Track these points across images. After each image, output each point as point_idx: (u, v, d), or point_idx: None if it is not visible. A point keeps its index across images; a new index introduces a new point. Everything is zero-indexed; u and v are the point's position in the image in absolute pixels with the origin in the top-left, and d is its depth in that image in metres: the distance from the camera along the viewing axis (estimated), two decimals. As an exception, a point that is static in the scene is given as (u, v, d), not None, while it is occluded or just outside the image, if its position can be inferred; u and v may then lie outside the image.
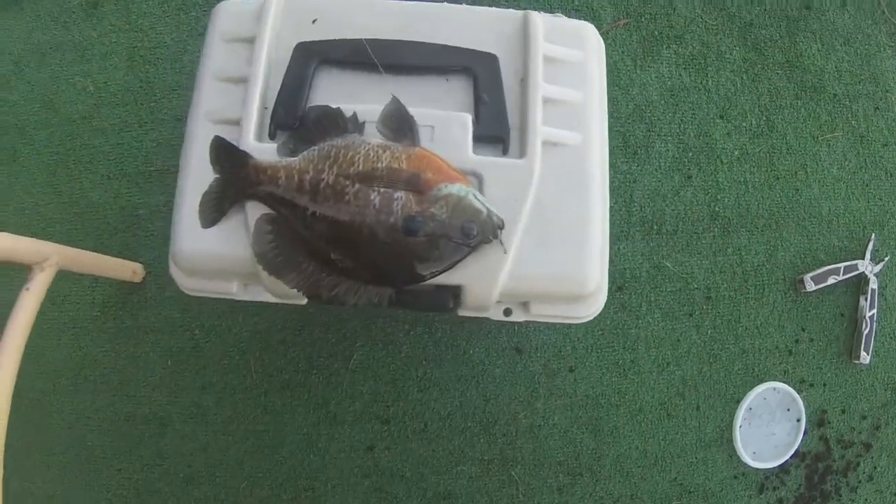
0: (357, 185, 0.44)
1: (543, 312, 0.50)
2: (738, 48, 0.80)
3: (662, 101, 0.78)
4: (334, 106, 0.48)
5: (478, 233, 0.43)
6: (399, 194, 0.44)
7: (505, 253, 0.45)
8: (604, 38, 0.53)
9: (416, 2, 0.52)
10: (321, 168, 0.45)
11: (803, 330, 0.77)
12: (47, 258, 0.60)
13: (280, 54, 0.50)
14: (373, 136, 0.47)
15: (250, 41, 0.51)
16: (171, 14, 0.80)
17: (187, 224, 0.48)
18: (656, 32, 0.79)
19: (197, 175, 0.48)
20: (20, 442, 0.72)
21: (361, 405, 0.70)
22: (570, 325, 0.70)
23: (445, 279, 0.46)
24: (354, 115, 0.47)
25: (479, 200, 0.44)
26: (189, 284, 0.51)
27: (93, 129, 0.79)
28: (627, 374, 0.72)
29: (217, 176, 0.47)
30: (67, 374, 0.75)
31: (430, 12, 0.52)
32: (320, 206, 0.44)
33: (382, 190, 0.44)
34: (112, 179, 0.77)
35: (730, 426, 0.74)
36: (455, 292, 0.48)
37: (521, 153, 0.48)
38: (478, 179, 0.47)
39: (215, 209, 0.47)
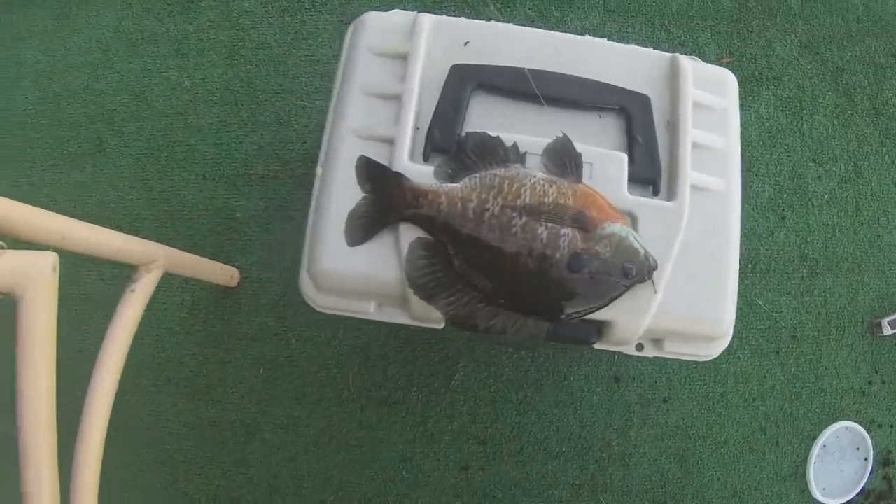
0: (524, 219, 0.44)
1: (675, 350, 0.51)
2: (830, 93, 0.83)
3: (761, 142, 0.79)
4: (493, 133, 0.48)
5: (636, 273, 0.44)
6: (566, 230, 0.44)
7: (655, 293, 0.46)
8: None
9: (567, 34, 0.53)
10: (485, 197, 0.45)
11: (876, 372, 0.79)
12: (155, 260, 0.59)
13: (432, 74, 0.50)
14: (535, 169, 0.47)
15: (402, 57, 0.50)
16: (274, 15, 0.79)
17: (331, 242, 0.47)
18: (756, 73, 0.81)
19: (341, 191, 0.47)
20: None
21: (459, 425, 0.70)
22: (665, 359, 0.71)
23: (595, 315, 0.46)
24: (515, 145, 0.48)
25: (637, 241, 0.45)
26: (323, 302, 0.50)
27: (188, 127, 0.77)
28: (716, 408, 0.74)
29: (365, 195, 0.47)
30: (149, 375, 0.73)
31: (582, 46, 0.52)
32: (486, 236, 0.44)
33: (549, 225, 0.44)
34: (208, 180, 0.76)
35: (804, 462, 0.77)
36: (599, 327, 0.49)
37: (671, 196, 0.49)
38: (631, 219, 0.48)
39: (364, 229, 0.46)
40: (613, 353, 0.69)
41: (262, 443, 0.71)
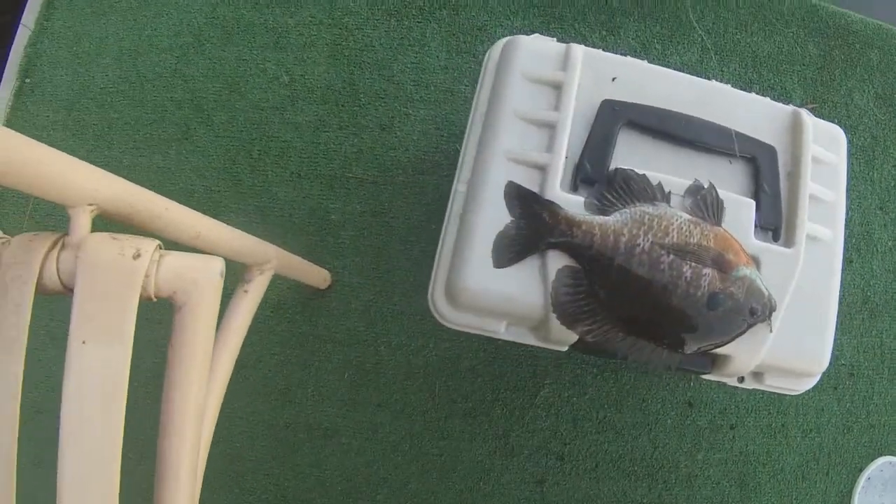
0: (671, 256, 0.47)
1: (772, 384, 0.55)
2: (899, 145, 0.87)
3: (836, 187, 0.83)
4: (640, 171, 0.50)
5: (760, 313, 0.48)
6: (707, 271, 0.47)
7: (771, 332, 0.50)
8: None
9: (698, 79, 0.55)
10: (636, 233, 0.48)
11: (919, 411, 0.84)
12: (269, 260, 0.59)
13: (581, 106, 0.52)
14: (679, 209, 0.49)
15: (555, 86, 0.52)
16: (380, 18, 0.78)
17: (475, 261, 0.48)
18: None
19: (489, 212, 0.49)
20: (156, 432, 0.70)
21: (540, 440, 0.72)
22: (737, 387, 0.75)
23: (721, 349, 0.49)
24: (660, 184, 0.50)
25: (763, 284, 0.48)
26: (455, 318, 0.52)
27: (284, 122, 0.76)
28: (776, 436, 0.78)
29: (515, 218, 0.48)
30: (226, 370, 0.73)
31: (714, 92, 0.54)
32: (635, 269, 0.47)
33: (693, 264, 0.47)
34: (303, 178, 0.75)
35: (850, 493, 0.81)
36: (714, 359, 0.52)
37: (789, 243, 0.52)
38: (755, 262, 0.51)
39: (513, 252, 0.48)
40: (690, 379, 0.72)
41: (338, 447, 0.72)
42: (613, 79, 0.54)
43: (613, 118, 0.52)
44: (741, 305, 0.47)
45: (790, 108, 0.56)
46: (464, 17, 0.78)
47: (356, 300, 0.73)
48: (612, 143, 0.52)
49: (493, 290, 0.48)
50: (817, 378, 0.56)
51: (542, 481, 0.73)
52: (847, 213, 0.83)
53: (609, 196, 0.49)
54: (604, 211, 0.49)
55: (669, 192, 0.50)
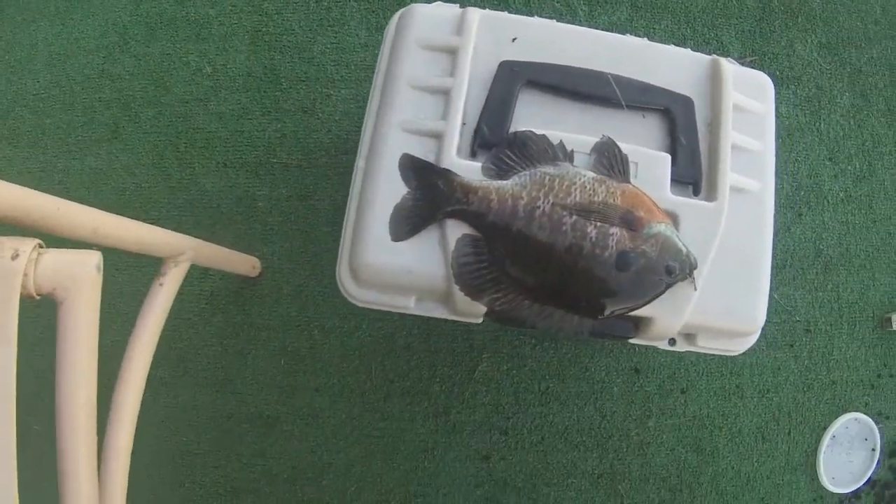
0: (574, 217, 0.45)
1: (706, 345, 0.52)
2: (847, 94, 0.84)
3: (780, 141, 0.80)
4: (538, 132, 0.49)
5: (678, 272, 0.45)
6: (614, 230, 0.45)
7: (695, 290, 0.47)
8: None
9: (609, 33, 0.53)
10: (536, 195, 0.45)
11: (885, 365, 0.81)
12: (183, 252, 0.58)
13: (480, 69, 0.50)
14: (583, 168, 0.47)
15: (450, 51, 0.50)
16: (299, 1, 0.78)
17: (374, 236, 0.47)
18: (777, 72, 0.82)
19: (386, 185, 0.47)
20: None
21: (482, 415, 0.71)
22: (684, 351, 0.73)
23: (639, 311, 0.47)
24: (561, 143, 0.48)
25: (680, 240, 0.46)
26: (362, 296, 0.50)
27: (209, 113, 0.76)
28: (731, 398, 0.75)
29: (411, 190, 0.47)
30: (166, 367, 0.73)
31: (625, 46, 0.52)
32: (535, 233, 0.45)
33: (599, 224, 0.45)
34: (229, 167, 0.75)
35: (815, 452, 0.79)
36: (637, 322, 0.50)
37: (710, 196, 0.50)
38: (673, 219, 0.48)
39: (410, 224, 0.46)
40: (634, 345, 0.70)
41: (281, 434, 0.71)
42: (514, 39, 0.52)
43: (512, 79, 0.50)
44: (655, 264, 0.45)
45: (709, 57, 0.54)
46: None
47: (287, 285, 0.72)
48: (511, 104, 0.50)
49: (393, 265, 0.47)
50: (755, 337, 0.53)
51: (488, 457, 0.71)
52: (793, 165, 0.81)
53: (506, 159, 0.47)
54: (502, 175, 0.47)
55: (573, 151, 0.48)
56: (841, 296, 0.80)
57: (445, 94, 0.49)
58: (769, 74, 0.83)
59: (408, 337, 0.71)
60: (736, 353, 0.53)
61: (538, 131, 0.48)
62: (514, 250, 0.46)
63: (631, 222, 0.45)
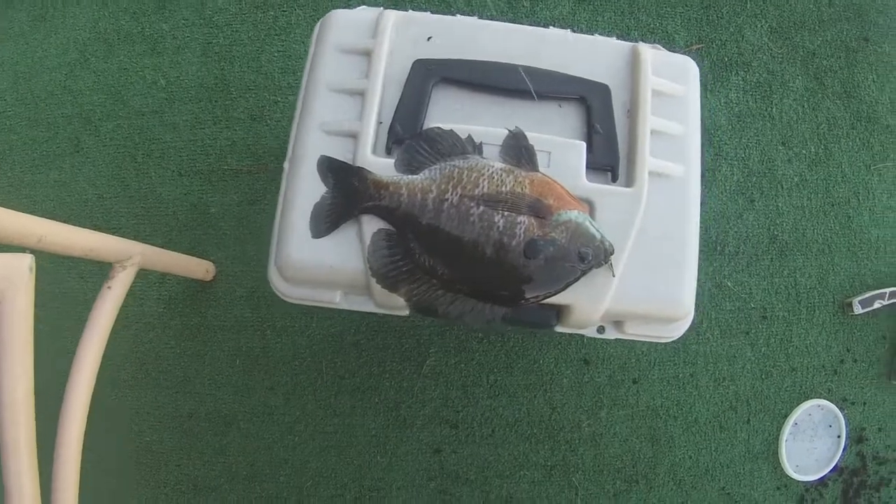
0: (482, 208, 0.46)
1: (635, 332, 0.52)
2: (800, 77, 0.83)
3: (730, 126, 0.80)
4: (446, 127, 0.49)
5: (592, 258, 0.46)
6: (522, 218, 0.46)
7: (613, 276, 0.48)
8: None
9: (530, 27, 0.54)
10: (445, 188, 0.46)
11: (848, 351, 0.80)
12: (130, 256, 0.61)
13: (396, 69, 0.51)
14: (493, 159, 0.48)
15: (366, 54, 0.51)
16: (247, 12, 0.80)
17: (296, 234, 0.48)
18: (726, 58, 0.81)
19: (307, 185, 0.49)
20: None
21: (431, 409, 0.72)
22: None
23: (555, 299, 0.48)
24: (470, 136, 0.49)
25: (593, 227, 0.46)
26: (291, 293, 0.52)
27: (164, 124, 0.79)
28: (686, 388, 0.75)
29: (329, 189, 0.48)
30: (128, 369, 0.75)
31: (545, 38, 0.53)
32: (444, 225, 0.46)
33: (506, 213, 0.45)
34: (183, 176, 0.77)
35: (776, 440, 0.78)
36: (559, 310, 0.50)
37: (629, 182, 0.50)
38: (589, 206, 0.49)
39: (328, 221, 0.48)
40: (583, 336, 0.70)
41: (238, 432, 0.73)
42: (429, 39, 0.53)
43: (425, 77, 0.51)
44: (566, 251, 0.45)
45: (629, 44, 0.55)
46: (327, 0, 0.79)
47: (240, 287, 0.74)
48: (425, 102, 0.51)
49: (315, 262, 0.48)
50: (685, 323, 0.53)
51: (439, 450, 0.72)
52: (744, 151, 0.81)
53: (416, 155, 0.49)
54: (415, 171, 0.48)
55: (481, 144, 0.49)
56: (798, 281, 0.79)
57: (361, 95, 0.50)
58: (717, 61, 0.84)
59: (356, 334, 0.73)
60: (668, 340, 0.53)
61: (446, 126, 0.49)
62: (427, 242, 0.47)
63: (539, 210, 0.46)
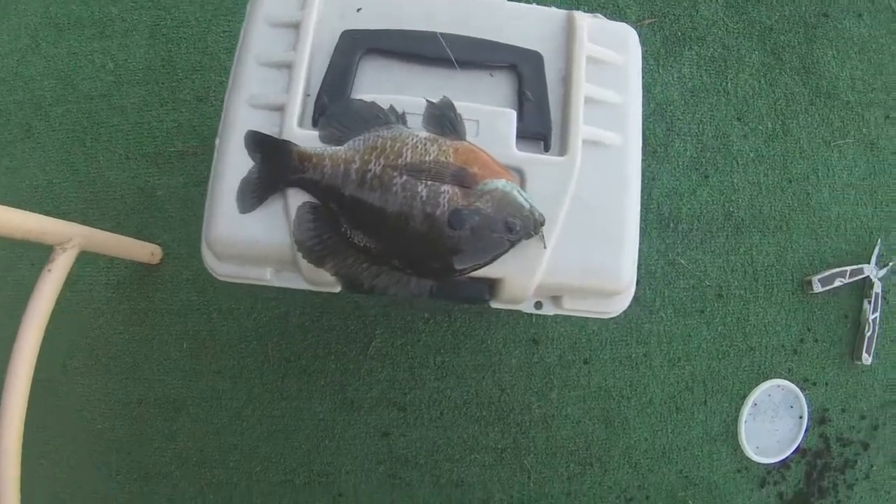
0: (404, 177, 0.44)
1: (574, 307, 0.51)
2: (757, 52, 0.82)
3: (683, 102, 0.79)
4: (371, 97, 0.48)
5: (520, 228, 0.44)
6: (446, 188, 0.44)
7: (545, 248, 0.46)
8: None
9: None
10: (368, 158, 0.45)
11: (809, 330, 0.79)
12: (70, 239, 0.60)
13: (324, 41, 0.50)
14: (419, 128, 0.47)
15: (295, 26, 0.50)
16: (194, -7, 0.80)
17: (224, 209, 0.47)
18: (679, 33, 0.80)
19: (236, 160, 0.48)
20: (28, 424, 0.72)
21: (378, 392, 0.71)
22: (586, 318, 0.71)
23: (485, 272, 0.46)
24: (392, 107, 0.48)
25: (522, 196, 0.44)
26: (222, 270, 0.51)
27: (112, 108, 0.78)
28: (639, 368, 0.74)
29: (256, 163, 0.48)
30: (79, 356, 0.74)
31: (475, 6, 0.52)
32: (367, 196, 0.44)
33: (430, 183, 0.44)
34: (130, 159, 0.77)
35: (735, 421, 0.76)
36: (491, 284, 0.49)
37: (562, 151, 0.49)
38: (520, 175, 0.47)
39: (255, 195, 0.47)
40: (532, 315, 0.69)
41: (188, 418, 0.72)
42: (359, 10, 0.53)
43: (352, 48, 0.50)
44: (492, 221, 0.43)
45: (565, 12, 0.53)
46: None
47: (187, 270, 0.73)
48: (352, 73, 0.50)
49: (243, 237, 0.47)
50: (626, 297, 0.51)
51: (387, 433, 0.71)
52: (697, 126, 0.79)
53: (337, 127, 0.48)
54: (340, 142, 0.47)
55: (403, 113, 0.48)
56: (755, 259, 0.78)
57: (289, 67, 0.49)
58: (670, 36, 0.83)
59: (301, 316, 0.72)
60: (609, 315, 0.52)
61: (372, 97, 0.49)
62: (351, 214, 0.45)
63: (464, 179, 0.44)
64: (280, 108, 0.49)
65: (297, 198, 0.47)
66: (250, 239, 0.48)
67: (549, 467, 0.72)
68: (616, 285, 0.49)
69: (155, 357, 0.73)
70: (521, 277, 0.48)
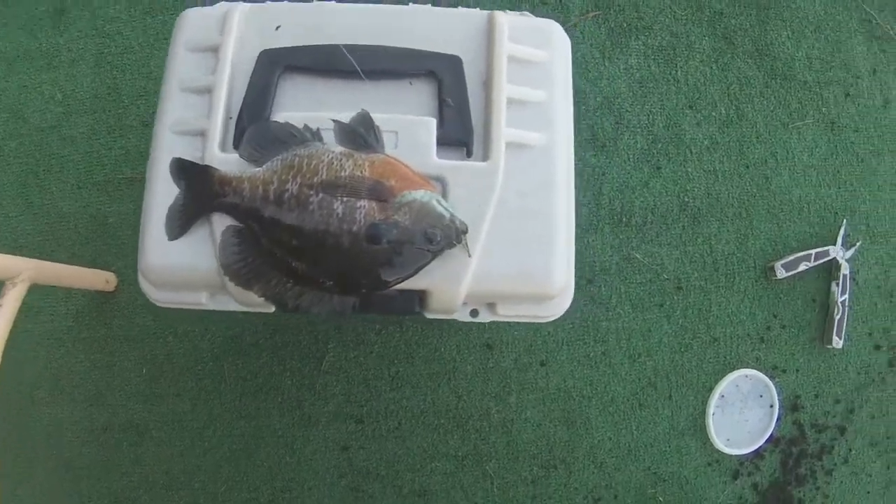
0: (321, 195, 0.44)
1: (510, 313, 0.50)
2: (707, 38, 0.80)
3: (631, 93, 0.77)
4: (288, 117, 0.48)
5: (441, 238, 0.43)
6: (362, 203, 0.44)
7: (469, 256, 0.45)
8: (572, 31, 0.54)
9: (379, 5, 0.52)
10: (285, 178, 0.45)
11: (775, 317, 0.77)
12: (20, 273, 0.60)
13: (245, 62, 0.50)
14: (335, 144, 0.47)
15: (215, 50, 0.50)
16: (137, 18, 0.80)
17: (155, 237, 0.48)
18: (625, 24, 0.79)
19: (163, 188, 0.48)
20: (1, 454, 0.73)
21: (335, 406, 0.71)
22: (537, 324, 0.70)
23: (411, 283, 0.46)
24: (306, 125, 0.47)
25: (442, 206, 0.44)
26: (158, 297, 0.51)
27: (62, 138, 0.79)
28: (599, 367, 0.73)
29: (182, 190, 0.48)
30: (45, 386, 0.75)
31: (394, 15, 0.51)
32: (285, 217, 0.44)
33: (346, 199, 0.44)
34: (82, 189, 0.77)
35: (703, 414, 0.75)
36: (421, 295, 0.48)
37: (486, 156, 0.48)
38: (442, 184, 0.47)
39: (181, 222, 0.47)
40: (484, 321, 0.68)
41: (152, 442, 0.73)
42: (278, 28, 0.52)
43: (270, 68, 0.50)
44: (411, 233, 0.43)
45: (486, 12, 0.53)
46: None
47: (141, 296, 0.72)
48: (271, 93, 0.49)
49: (174, 264, 0.48)
50: (562, 300, 0.50)
51: (347, 447, 0.71)
52: (647, 118, 0.78)
53: (258, 149, 0.47)
54: (259, 163, 0.47)
55: (318, 130, 0.47)
56: (715, 248, 0.76)
57: (209, 92, 0.49)
58: (616, 27, 0.81)
59: (254, 335, 0.72)
60: (549, 319, 0.51)
61: (290, 115, 0.48)
62: (273, 236, 0.45)
63: (380, 192, 0.44)
64: (202, 134, 0.49)
65: (221, 222, 0.47)
66: (181, 265, 0.48)
67: (512, 472, 0.71)
68: (548, 289, 0.48)
69: (116, 383, 0.74)
70: (448, 287, 0.47)
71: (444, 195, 0.46)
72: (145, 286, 0.52)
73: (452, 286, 0.47)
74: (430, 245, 0.44)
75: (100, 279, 0.72)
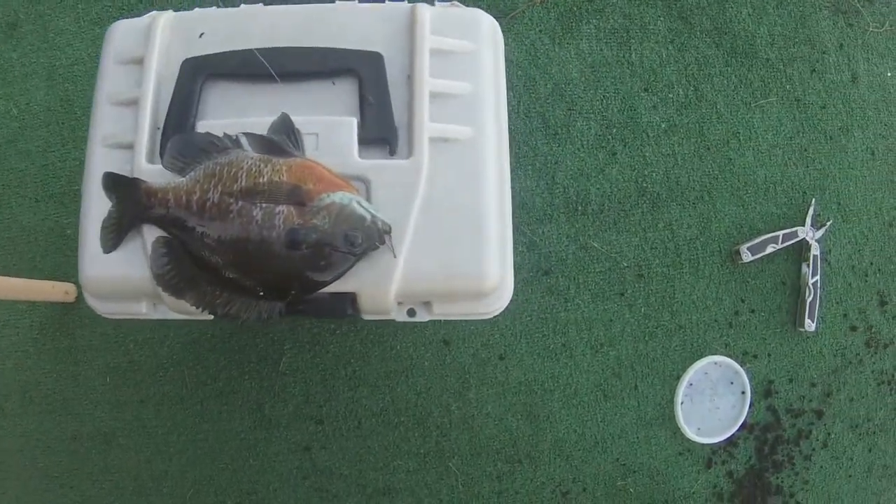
0: (240, 203, 0.44)
1: (446, 311, 0.49)
2: (662, 18, 0.78)
3: (583, 79, 0.76)
4: (211, 125, 0.47)
5: (363, 240, 0.43)
6: (281, 208, 0.43)
7: (395, 257, 0.45)
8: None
9: (301, 5, 0.51)
10: (206, 187, 0.45)
11: (743, 301, 0.75)
12: None
13: (170, 72, 0.49)
14: (251, 150, 0.46)
15: (139, 62, 0.50)
16: (86, 29, 0.80)
17: (91, 251, 0.48)
18: (575, 8, 0.77)
19: (98, 201, 0.48)
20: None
21: (294, 407, 0.70)
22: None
23: (340, 286, 0.45)
24: (226, 133, 0.46)
25: (362, 207, 0.43)
26: (103, 309, 0.52)
27: (18, 153, 0.79)
28: (560, 359, 0.72)
29: (113, 203, 0.48)
30: (14, 398, 0.76)
31: (317, 15, 0.50)
32: (208, 226, 0.44)
33: (264, 205, 0.43)
34: (40, 202, 0.78)
35: (671, 403, 0.74)
36: (352, 298, 0.47)
37: (409, 153, 0.47)
38: (365, 184, 0.46)
39: (114, 235, 0.47)
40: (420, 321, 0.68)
41: (119, 449, 0.73)
42: (201, 35, 0.52)
43: (193, 76, 0.49)
44: (332, 236, 0.42)
45: (409, 5, 0.51)
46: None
47: (100, 306, 0.74)
48: (194, 101, 0.49)
49: (110, 276, 0.48)
50: (500, 296, 0.50)
51: (308, 448, 0.71)
52: (600, 103, 0.76)
53: (181, 159, 0.47)
54: (183, 173, 0.46)
55: (237, 137, 0.46)
56: (676, 233, 0.75)
57: (136, 104, 0.49)
58: (566, 12, 0.80)
59: (212, 339, 0.72)
60: (489, 316, 0.51)
61: (214, 123, 0.47)
62: (199, 245, 0.45)
63: (298, 197, 0.43)
64: (130, 146, 0.49)
65: (152, 233, 0.47)
66: (117, 277, 0.48)
67: (476, 468, 0.71)
68: (481, 285, 0.47)
69: (82, 392, 0.75)
70: (377, 289, 0.46)
71: (368, 195, 0.46)
72: (89, 299, 0.52)
73: (381, 287, 0.46)
74: (352, 248, 0.43)
75: (58, 291, 0.73)
